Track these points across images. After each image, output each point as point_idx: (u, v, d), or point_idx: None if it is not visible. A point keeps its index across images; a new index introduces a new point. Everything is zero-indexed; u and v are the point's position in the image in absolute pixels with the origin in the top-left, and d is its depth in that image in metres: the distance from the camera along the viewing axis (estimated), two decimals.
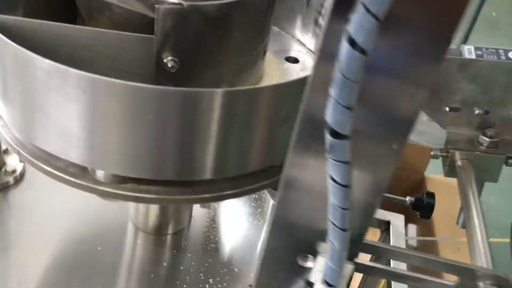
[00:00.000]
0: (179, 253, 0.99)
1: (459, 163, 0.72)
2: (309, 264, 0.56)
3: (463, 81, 0.71)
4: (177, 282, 0.93)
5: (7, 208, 1.01)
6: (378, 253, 0.56)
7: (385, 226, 2.57)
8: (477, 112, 0.73)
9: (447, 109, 0.73)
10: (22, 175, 1.06)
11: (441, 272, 0.57)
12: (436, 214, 2.69)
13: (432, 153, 0.77)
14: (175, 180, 0.67)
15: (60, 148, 0.66)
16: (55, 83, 0.59)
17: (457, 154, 0.73)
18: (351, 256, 0.54)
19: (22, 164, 1.06)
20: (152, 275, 0.93)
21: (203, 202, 0.90)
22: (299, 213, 0.53)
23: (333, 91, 0.39)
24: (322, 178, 0.47)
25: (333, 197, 0.49)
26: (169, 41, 0.63)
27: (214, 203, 1.08)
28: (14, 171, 1.04)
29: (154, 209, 0.99)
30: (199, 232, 1.04)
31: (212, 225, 1.05)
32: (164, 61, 0.64)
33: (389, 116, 0.44)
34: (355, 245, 0.53)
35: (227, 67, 0.71)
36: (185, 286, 0.91)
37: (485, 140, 0.72)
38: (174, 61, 0.64)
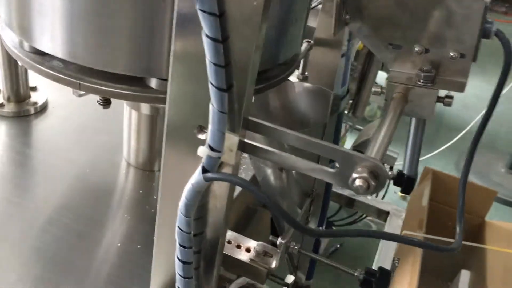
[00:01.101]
0: None
1: (394, 95, 0.75)
2: (203, 136, 0.61)
3: (403, 17, 0.74)
4: None
5: (24, 132, 1.16)
6: (261, 131, 0.60)
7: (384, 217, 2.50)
8: (417, 49, 0.75)
9: (390, 46, 0.77)
10: (43, 108, 1.20)
11: (322, 156, 0.59)
12: (491, 262, 2.55)
13: (373, 89, 0.80)
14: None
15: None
16: None
17: (395, 89, 0.75)
18: (236, 129, 0.59)
19: (45, 100, 1.21)
20: (143, 206, 1.01)
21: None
22: (190, 86, 0.59)
23: None
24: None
25: (208, 54, 0.55)
26: None
27: None
28: (35, 103, 1.19)
29: (143, 144, 1.08)
30: None
31: None
32: None
33: None
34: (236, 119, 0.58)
35: None
36: None
37: (421, 75, 0.74)
38: None
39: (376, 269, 0.86)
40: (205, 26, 0.53)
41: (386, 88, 0.76)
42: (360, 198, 2.53)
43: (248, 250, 0.91)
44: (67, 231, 0.94)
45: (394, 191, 3.89)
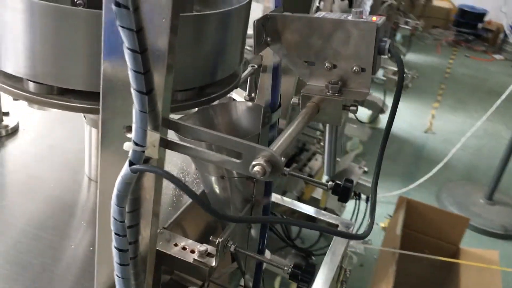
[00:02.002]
0: None
1: (308, 104, 0.86)
2: (131, 135, 0.72)
3: (313, 39, 0.87)
4: None
5: None
6: (179, 129, 0.71)
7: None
8: (326, 65, 0.87)
9: (306, 63, 0.89)
10: (14, 130, 1.32)
11: (230, 149, 0.70)
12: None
13: (292, 101, 0.91)
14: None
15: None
16: None
17: (309, 99, 0.87)
18: (157, 127, 0.70)
19: (16, 123, 1.32)
20: None
21: None
22: (119, 93, 0.70)
23: None
24: None
25: (129, 63, 0.66)
26: None
27: None
28: (6, 126, 1.30)
29: None
30: None
31: None
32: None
33: None
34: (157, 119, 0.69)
35: None
36: None
37: (329, 86, 0.86)
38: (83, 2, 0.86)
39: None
40: (125, 40, 0.64)
41: (300, 99, 0.87)
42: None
43: (192, 251, 1.01)
44: (27, 236, 1.03)
45: (376, 222, 3.99)
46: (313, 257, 3.23)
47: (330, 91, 0.85)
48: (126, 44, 0.64)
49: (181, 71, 0.88)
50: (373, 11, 3.94)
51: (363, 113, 5.06)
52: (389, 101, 5.21)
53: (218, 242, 0.96)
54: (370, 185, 3.57)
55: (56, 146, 1.31)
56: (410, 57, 7.05)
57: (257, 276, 1.17)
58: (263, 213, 1.09)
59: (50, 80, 0.88)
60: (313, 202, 3.26)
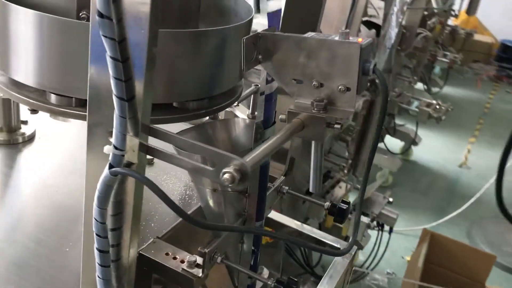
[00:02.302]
0: None
1: (293, 121, 0.88)
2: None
3: (300, 58, 0.90)
4: None
5: (11, 158, 1.33)
6: (158, 136, 0.74)
7: None
8: (314, 84, 0.89)
9: (294, 81, 0.91)
10: (30, 138, 1.39)
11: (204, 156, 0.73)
12: None
13: (280, 117, 0.94)
14: None
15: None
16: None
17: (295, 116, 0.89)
18: (137, 133, 0.73)
19: (32, 131, 1.39)
20: None
21: None
22: (106, 92, 0.74)
23: None
24: None
25: (111, 71, 0.71)
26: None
27: None
28: (23, 134, 1.37)
29: None
30: None
31: None
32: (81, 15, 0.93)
33: None
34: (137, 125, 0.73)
35: None
36: None
37: (314, 104, 0.88)
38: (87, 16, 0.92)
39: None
40: (108, 49, 0.69)
41: (287, 115, 0.90)
42: None
43: (182, 261, 1.03)
44: (30, 238, 1.08)
45: (401, 256, 3.91)
46: None
47: (315, 109, 0.88)
48: (108, 52, 0.69)
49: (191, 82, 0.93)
50: (405, 41, 3.96)
51: (395, 144, 5.01)
52: (421, 133, 5.16)
53: (205, 252, 0.98)
54: (394, 216, 3.48)
55: (68, 154, 1.37)
56: (448, 90, 6.97)
57: None
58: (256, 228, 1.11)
59: (70, 92, 0.92)
60: (335, 230, 3.23)
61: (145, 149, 0.75)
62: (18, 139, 1.36)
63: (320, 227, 3.07)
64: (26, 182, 1.27)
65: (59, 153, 1.38)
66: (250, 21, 1.06)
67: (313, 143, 0.94)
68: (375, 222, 3.30)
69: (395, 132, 4.91)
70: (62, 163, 1.34)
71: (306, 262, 3.06)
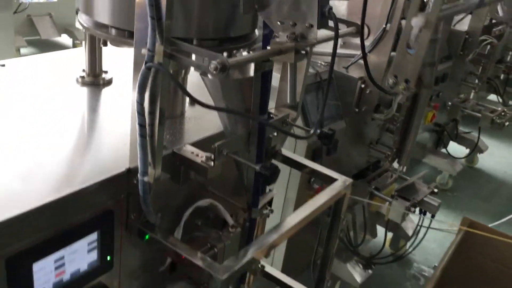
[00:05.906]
0: None
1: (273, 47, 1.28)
2: None
3: (283, 4, 1.29)
4: None
5: (94, 95, 1.83)
6: (179, 46, 1.17)
7: None
8: (290, 23, 1.28)
9: (279, 23, 1.31)
10: (109, 82, 1.88)
11: None
12: None
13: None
14: None
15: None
16: None
17: None
18: (162, 43, 1.16)
19: (110, 78, 1.88)
20: None
21: None
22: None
23: None
24: None
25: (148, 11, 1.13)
26: None
27: None
28: (104, 79, 1.86)
29: None
30: None
31: None
32: None
33: None
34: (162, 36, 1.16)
35: None
36: None
37: (288, 36, 1.27)
38: None
39: None
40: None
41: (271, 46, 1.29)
42: None
43: (201, 157, 1.44)
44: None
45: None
46: (372, 266, 3.42)
47: (288, 40, 1.26)
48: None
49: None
50: (468, 47, 4.09)
51: (459, 151, 5.05)
52: (490, 142, 5.17)
53: (215, 147, 1.38)
54: (436, 204, 3.63)
55: None
56: None
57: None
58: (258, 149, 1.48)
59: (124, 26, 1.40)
60: (377, 215, 3.49)
61: (168, 54, 1.17)
62: (100, 81, 1.86)
63: (364, 212, 3.34)
64: (102, 113, 1.74)
65: (127, 96, 1.85)
66: None
67: (288, 64, 1.33)
68: (417, 209, 3.48)
69: (457, 137, 4.98)
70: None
71: (349, 241, 3.34)
